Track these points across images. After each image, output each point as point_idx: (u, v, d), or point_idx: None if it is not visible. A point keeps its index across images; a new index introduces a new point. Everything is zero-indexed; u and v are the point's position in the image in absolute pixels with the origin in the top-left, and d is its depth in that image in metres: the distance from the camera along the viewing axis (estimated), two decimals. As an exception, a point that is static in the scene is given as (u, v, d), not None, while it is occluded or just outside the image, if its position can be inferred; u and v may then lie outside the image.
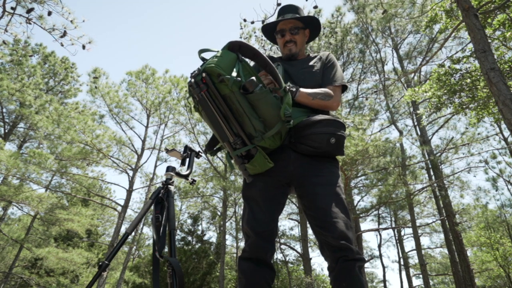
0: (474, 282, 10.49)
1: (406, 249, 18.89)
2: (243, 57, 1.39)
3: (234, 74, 1.32)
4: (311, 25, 1.89)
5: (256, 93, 1.31)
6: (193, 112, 13.37)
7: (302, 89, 1.57)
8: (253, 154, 1.41)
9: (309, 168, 1.51)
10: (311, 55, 1.87)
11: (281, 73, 1.70)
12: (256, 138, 1.38)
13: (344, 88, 1.76)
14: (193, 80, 1.33)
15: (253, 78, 1.31)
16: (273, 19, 4.44)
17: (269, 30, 1.93)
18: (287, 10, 1.85)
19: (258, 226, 1.49)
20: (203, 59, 1.44)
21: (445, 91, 6.87)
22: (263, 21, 5.19)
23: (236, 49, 1.40)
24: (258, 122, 1.35)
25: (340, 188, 1.51)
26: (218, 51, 1.40)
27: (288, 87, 1.39)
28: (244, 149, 1.38)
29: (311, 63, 1.79)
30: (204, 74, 1.31)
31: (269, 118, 1.35)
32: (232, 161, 1.51)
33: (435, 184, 12.24)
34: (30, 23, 5.40)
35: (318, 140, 1.46)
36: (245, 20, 6.10)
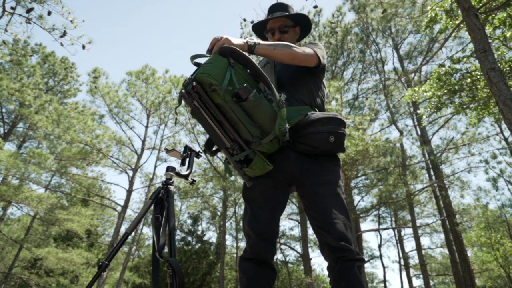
0: (475, 282, 10.49)
1: (406, 249, 18.92)
2: (235, 62, 1.35)
3: (226, 82, 1.28)
4: (301, 23, 1.85)
5: (250, 100, 1.29)
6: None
7: (261, 42, 1.49)
8: (251, 158, 1.40)
9: (309, 168, 1.50)
10: None
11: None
12: (253, 143, 1.36)
13: (318, 61, 1.58)
14: (184, 90, 1.31)
15: (246, 85, 1.30)
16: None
17: (260, 29, 1.89)
18: (276, 9, 1.81)
19: (260, 227, 1.48)
20: (196, 64, 1.42)
21: (445, 91, 6.86)
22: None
23: (228, 54, 1.36)
24: (254, 128, 1.34)
25: (341, 187, 1.51)
26: (210, 56, 1.38)
27: (282, 102, 1.34)
28: (242, 155, 1.37)
29: None
30: (194, 83, 1.29)
31: (265, 124, 1.34)
32: (230, 166, 1.49)
33: (435, 184, 12.24)
34: (30, 23, 5.39)
35: (317, 139, 1.45)
36: (244, 20, 6.10)
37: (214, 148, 1.64)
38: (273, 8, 1.82)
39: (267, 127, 1.34)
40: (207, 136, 1.60)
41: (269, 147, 1.38)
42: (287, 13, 1.79)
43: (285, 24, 1.78)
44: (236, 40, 1.45)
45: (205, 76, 1.28)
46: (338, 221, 1.39)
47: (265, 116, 1.33)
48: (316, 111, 1.61)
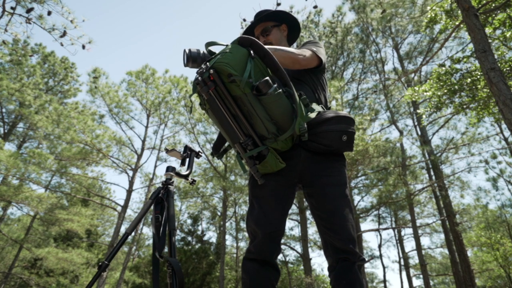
0: (475, 282, 10.48)
1: (406, 249, 18.90)
2: (254, 53, 1.28)
3: (246, 73, 1.22)
4: (284, 20, 1.86)
5: (269, 94, 1.23)
6: (193, 112, 13.36)
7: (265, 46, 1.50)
8: (264, 154, 1.37)
9: (319, 167, 1.49)
10: None
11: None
12: (268, 140, 1.32)
13: (319, 62, 1.61)
14: (200, 78, 1.23)
15: (267, 78, 1.24)
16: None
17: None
18: (257, 16, 1.86)
19: (269, 226, 1.45)
20: (210, 52, 1.36)
21: (445, 90, 6.86)
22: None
23: (247, 45, 1.30)
24: (271, 124, 1.29)
25: (348, 188, 1.52)
26: (227, 45, 1.31)
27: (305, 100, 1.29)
28: (256, 151, 1.33)
29: None
30: (211, 71, 1.21)
31: (282, 120, 1.29)
32: (243, 162, 1.44)
33: (435, 184, 12.23)
34: (30, 23, 5.39)
35: (330, 138, 1.43)
36: (244, 20, 6.10)
37: (221, 150, 1.64)
38: (255, 16, 1.86)
39: (283, 124, 1.30)
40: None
41: (283, 144, 1.36)
42: (260, 17, 1.82)
43: (264, 27, 1.82)
44: None
45: (224, 66, 1.21)
46: (348, 223, 1.40)
47: (283, 113, 1.28)
48: (324, 109, 1.60)
